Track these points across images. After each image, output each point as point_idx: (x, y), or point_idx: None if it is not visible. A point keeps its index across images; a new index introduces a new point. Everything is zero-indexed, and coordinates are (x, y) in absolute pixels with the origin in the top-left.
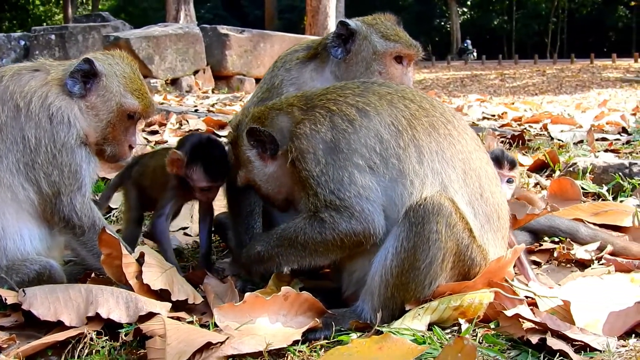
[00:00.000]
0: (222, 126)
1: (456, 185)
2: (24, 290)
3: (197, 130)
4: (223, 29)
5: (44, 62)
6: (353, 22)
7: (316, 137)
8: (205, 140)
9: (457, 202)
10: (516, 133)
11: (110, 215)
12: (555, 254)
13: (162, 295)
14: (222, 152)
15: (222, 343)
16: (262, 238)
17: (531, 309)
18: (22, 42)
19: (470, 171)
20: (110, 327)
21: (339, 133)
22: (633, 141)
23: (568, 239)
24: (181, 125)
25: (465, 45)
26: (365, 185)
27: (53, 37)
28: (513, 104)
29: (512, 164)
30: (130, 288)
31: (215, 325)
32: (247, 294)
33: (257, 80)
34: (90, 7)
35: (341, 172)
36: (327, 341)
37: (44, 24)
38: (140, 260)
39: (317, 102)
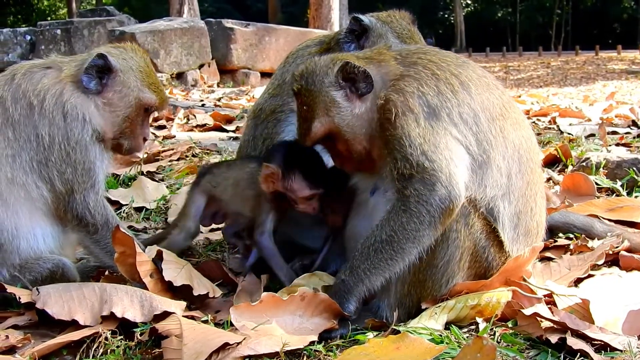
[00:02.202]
0: (229, 121)
1: (517, 194)
2: (37, 289)
3: (205, 125)
4: (228, 23)
5: (55, 59)
6: (367, 18)
7: (422, 99)
8: (296, 146)
9: (507, 209)
10: None
11: (120, 212)
12: (571, 248)
13: (180, 291)
14: (317, 155)
15: (238, 343)
16: (342, 267)
17: (549, 308)
18: (28, 37)
19: (533, 184)
20: (124, 327)
21: (443, 101)
22: None
23: (583, 235)
24: (188, 119)
25: (429, 41)
26: (459, 156)
27: (59, 31)
28: (520, 97)
29: None
30: (143, 286)
31: (231, 324)
32: (263, 294)
33: (263, 74)
34: (94, 1)
35: (438, 137)
36: (343, 340)
37: (49, 18)
38: (155, 260)
39: (417, 60)
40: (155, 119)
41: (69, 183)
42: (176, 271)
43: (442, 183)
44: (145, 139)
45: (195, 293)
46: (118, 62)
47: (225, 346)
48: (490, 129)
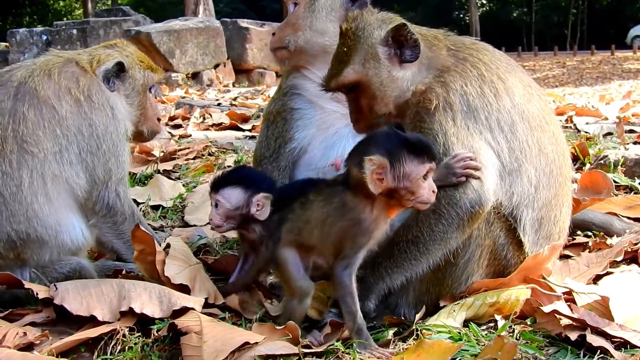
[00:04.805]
0: (245, 120)
1: (542, 203)
2: (55, 285)
3: (221, 124)
4: (243, 23)
5: (70, 55)
6: None
7: (464, 98)
8: (390, 127)
9: (530, 215)
10: None
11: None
12: (589, 245)
13: (184, 290)
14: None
15: (258, 343)
16: (363, 265)
17: (569, 305)
18: (44, 37)
19: (560, 196)
20: (142, 323)
21: (484, 104)
22: None
23: (602, 233)
24: (204, 119)
25: None
26: (490, 160)
27: (75, 31)
28: None
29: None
30: (162, 284)
31: (248, 322)
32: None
33: (278, 73)
34: (109, 2)
35: (472, 140)
36: None
37: (64, 18)
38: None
39: (467, 55)
40: (172, 118)
41: (109, 172)
42: (179, 269)
43: (474, 186)
44: (159, 119)
45: (193, 295)
46: (125, 61)
47: (245, 345)
48: (527, 139)
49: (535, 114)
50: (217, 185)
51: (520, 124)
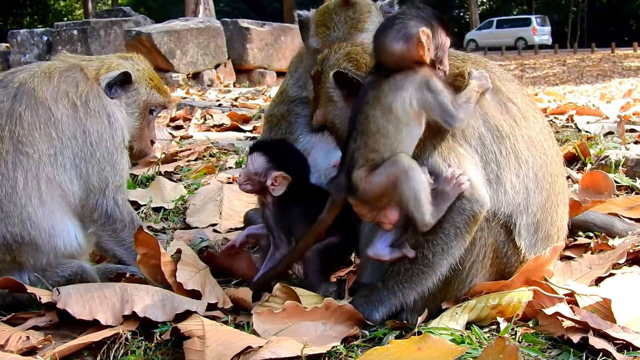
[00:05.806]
0: (246, 120)
1: (536, 207)
2: (58, 289)
3: (222, 125)
4: (244, 23)
5: (76, 61)
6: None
7: None
8: (416, 2)
9: (525, 220)
10: None
11: (139, 212)
12: (591, 247)
13: (194, 295)
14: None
15: (260, 347)
16: (368, 273)
17: (571, 307)
18: (45, 38)
19: (554, 196)
20: (145, 327)
21: None
22: None
23: (603, 234)
24: (205, 120)
25: None
26: (473, 168)
27: (75, 32)
28: (537, 95)
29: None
30: (167, 287)
31: (250, 325)
32: (287, 302)
33: (279, 73)
34: (110, 2)
35: (450, 152)
36: (363, 340)
37: (65, 19)
38: (174, 257)
39: None
40: (173, 119)
41: (105, 181)
42: (191, 274)
43: (465, 196)
44: (152, 142)
45: (204, 300)
46: (133, 73)
47: (247, 349)
48: (499, 148)
49: (504, 122)
50: (254, 147)
51: (488, 135)
